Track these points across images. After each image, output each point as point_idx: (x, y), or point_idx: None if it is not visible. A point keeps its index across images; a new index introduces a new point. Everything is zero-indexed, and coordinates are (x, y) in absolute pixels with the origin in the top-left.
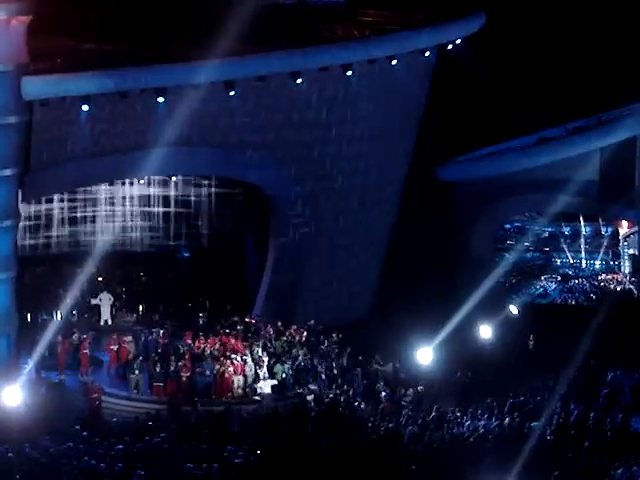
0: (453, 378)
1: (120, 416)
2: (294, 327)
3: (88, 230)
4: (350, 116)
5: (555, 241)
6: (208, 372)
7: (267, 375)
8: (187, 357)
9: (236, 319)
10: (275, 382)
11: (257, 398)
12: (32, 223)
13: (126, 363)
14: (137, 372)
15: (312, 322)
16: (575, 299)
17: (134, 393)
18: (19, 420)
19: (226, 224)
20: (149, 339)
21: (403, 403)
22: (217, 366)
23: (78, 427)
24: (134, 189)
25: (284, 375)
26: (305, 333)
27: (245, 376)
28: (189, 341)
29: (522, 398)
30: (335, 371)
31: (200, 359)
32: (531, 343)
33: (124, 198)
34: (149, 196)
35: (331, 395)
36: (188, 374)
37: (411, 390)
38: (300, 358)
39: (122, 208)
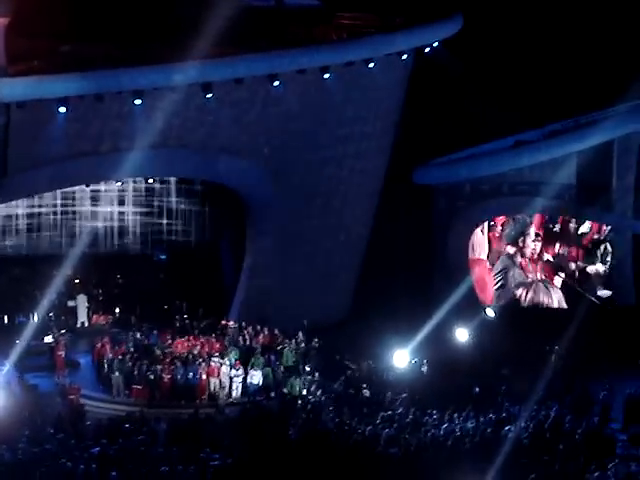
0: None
1: (96, 418)
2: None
3: (65, 232)
4: (327, 118)
5: None
6: (191, 374)
7: (241, 378)
8: (166, 359)
9: (212, 321)
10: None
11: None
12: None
13: (105, 363)
14: (117, 373)
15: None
16: None
17: (114, 395)
18: None
19: (202, 226)
20: (128, 340)
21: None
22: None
23: (56, 429)
24: (111, 191)
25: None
26: (281, 338)
27: (220, 379)
28: (167, 343)
29: (498, 400)
30: (312, 374)
31: (180, 361)
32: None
33: (101, 199)
34: (126, 198)
35: (310, 397)
36: (169, 376)
37: (389, 393)
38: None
39: (99, 209)
